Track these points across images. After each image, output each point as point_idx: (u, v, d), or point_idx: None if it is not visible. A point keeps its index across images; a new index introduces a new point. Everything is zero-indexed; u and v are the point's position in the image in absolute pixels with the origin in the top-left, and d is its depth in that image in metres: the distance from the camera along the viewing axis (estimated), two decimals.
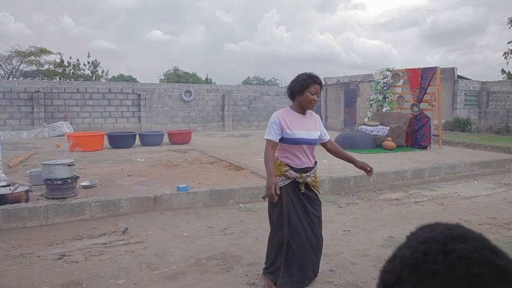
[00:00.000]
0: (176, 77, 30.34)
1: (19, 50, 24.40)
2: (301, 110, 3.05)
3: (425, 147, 10.09)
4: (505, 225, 4.65)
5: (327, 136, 3.22)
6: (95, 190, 5.61)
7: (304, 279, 3.00)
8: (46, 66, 26.19)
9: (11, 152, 9.37)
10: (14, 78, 23.38)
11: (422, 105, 10.36)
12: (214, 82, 29.88)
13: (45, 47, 25.35)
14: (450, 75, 15.81)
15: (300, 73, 3.05)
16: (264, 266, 3.15)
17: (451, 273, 0.51)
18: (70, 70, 27.50)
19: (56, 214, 4.58)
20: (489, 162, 8.15)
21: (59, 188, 5.01)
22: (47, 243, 3.95)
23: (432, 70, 10.11)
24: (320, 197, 3.16)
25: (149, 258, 3.62)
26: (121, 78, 29.39)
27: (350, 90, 16.12)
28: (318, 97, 3.01)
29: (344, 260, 3.61)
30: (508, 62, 20.91)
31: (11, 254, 3.66)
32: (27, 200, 4.79)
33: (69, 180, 5.08)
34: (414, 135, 10.41)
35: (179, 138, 11.42)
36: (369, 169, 3.11)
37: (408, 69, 10.80)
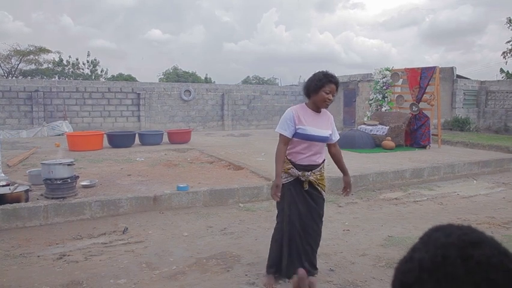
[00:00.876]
0: (175, 76, 30.33)
1: (18, 49, 24.37)
2: (316, 108, 3.06)
3: (424, 147, 10.11)
4: (504, 225, 4.67)
5: (336, 138, 3.23)
6: (95, 190, 5.61)
7: (290, 268, 3.02)
8: (45, 65, 26.18)
9: (11, 151, 9.37)
10: (13, 77, 23.37)
11: (421, 105, 10.37)
12: (214, 81, 29.87)
13: (44, 46, 25.36)
14: (449, 74, 15.83)
15: (316, 71, 3.07)
16: (267, 264, 3.18)
17: (469, 278, 0.55)
18: (69, 69, 27.51)
19: (56, 214, 4.58)
20: (488, 161, 8.17)
21: (59, 187, 5.01)
22: (47, 243, 3.96)
23: (432, 70, 10.12)
24: (324, 195, 3.17)
25: (149, 257, 3.63)
26: (121, 77, 29.34)
27: (349, 89, 16.14)
28: (333, 96, 3.01)
29: (343, 259, 3.62)
30: (506, 62, 21.04)
31: (10, 254, 3.67)
32: (27, 200, 4.80)
33: (69, 180, 5.08)
34: (414, 134, 10.42)
35: (178, 137, 11.43)
36: (348, 190, 3.26)
37: (408, 68, 10.81)
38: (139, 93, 15.40)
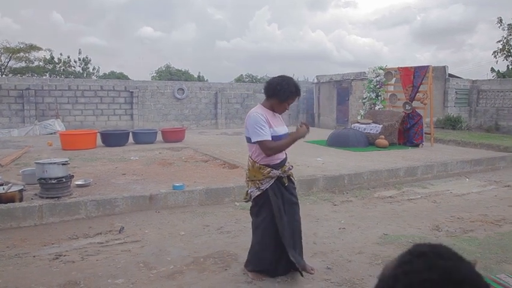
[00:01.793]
0: (168, 74, 30.21)
1: (8, 46, 24.03)
2: (273, 109, 3.17)
3: (417, 145, 10.20)
4: (496, 222, 4.74)
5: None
6: (90, 189, 5.58)
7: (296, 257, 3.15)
8: (36, 63, 25.85)
9: (2, 150, 9.26)
10: (3, 75, 23.05)
11: (414, 104, 10.47)
12: (207, 79, 29.81)
13: (34, 43, 25.01)
14: (441, 73, 15.98)
15: (289, 78, 3.15)
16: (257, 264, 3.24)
17: None
18: (60, 67, 27.19)
19: (51, 213, 4.55)
20: (480, 160, 8.28)
21: (54, 187, 4.97)
22: (43, 243, 3.93)
23: (425, 69, 10.22)
24: (295, 183, 3.37)
25: (146, 257, 3.62)
26: (113, 75, 29.11)
27: (342, 88, 16.19)
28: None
29: (340, 257, 3.65)
30: (497, 61, 21.14)
31: (6, 254, 3.64)
32: (21, 200, 4.75)
33: (64, 179, 5.05)
34: (407, 133, 10.51)
35: (172, 136, 11.39)
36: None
37: (401, 67, 10.90)
38: (132, 92, 15.31)
